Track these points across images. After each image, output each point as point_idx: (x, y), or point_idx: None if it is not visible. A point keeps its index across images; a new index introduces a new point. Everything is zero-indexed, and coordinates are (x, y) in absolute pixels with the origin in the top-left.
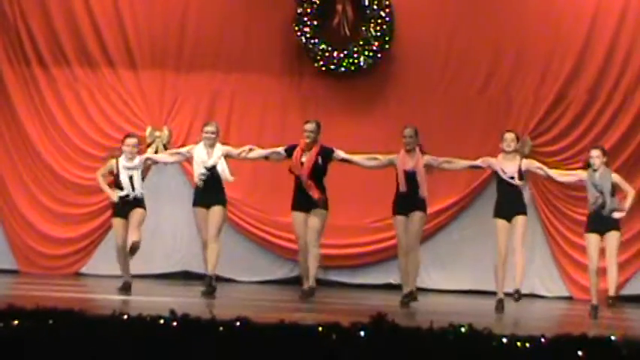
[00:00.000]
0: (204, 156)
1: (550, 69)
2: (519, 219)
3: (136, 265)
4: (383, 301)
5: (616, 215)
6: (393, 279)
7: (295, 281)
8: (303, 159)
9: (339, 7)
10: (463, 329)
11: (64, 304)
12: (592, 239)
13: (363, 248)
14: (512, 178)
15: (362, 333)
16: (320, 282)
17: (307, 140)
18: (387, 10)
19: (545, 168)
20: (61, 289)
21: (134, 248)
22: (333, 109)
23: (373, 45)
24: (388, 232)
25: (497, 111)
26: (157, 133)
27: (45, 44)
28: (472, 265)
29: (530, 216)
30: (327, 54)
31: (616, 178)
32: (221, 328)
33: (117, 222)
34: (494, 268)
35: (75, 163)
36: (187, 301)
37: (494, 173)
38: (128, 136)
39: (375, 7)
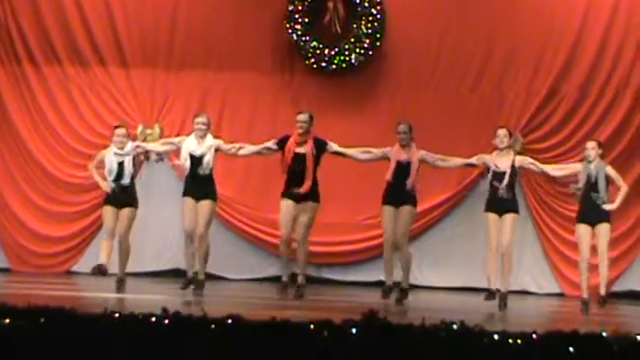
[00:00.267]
0: (194, 146)
1: (541, 65)
2: (509, 216)
3: (128, 263)
4: (375, 298)
5: (606, 207)
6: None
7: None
8: (297, 150)
9: (331, 5)
10: (455, 326)
11: (56, 303)
12: (582, 230)
13: (355, 246)
14: (503, 173)
15: (354, 330)
16: (312, 279)
17: (300, 131)
18: (379, 7)
19: (538, 164)
20: (52, 287)
21: (102, 271)
22: (325, 106)
23: (364, 42)
24: (380, 230)
25: (489, 108)
26: (149, 131)
27: (36, 42)
28: (464, 262)
29: (521, 213)
30: (318, 51)
31: (611, 171)
32: (213, 326)
33: (107, 209)
34: (486, 261)
35: (66, 162)
36: (179, 298)
37: (487, 170)
38: (117, 127)
39: (367, 4)
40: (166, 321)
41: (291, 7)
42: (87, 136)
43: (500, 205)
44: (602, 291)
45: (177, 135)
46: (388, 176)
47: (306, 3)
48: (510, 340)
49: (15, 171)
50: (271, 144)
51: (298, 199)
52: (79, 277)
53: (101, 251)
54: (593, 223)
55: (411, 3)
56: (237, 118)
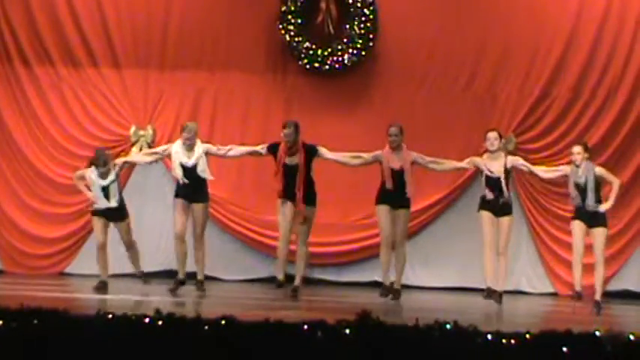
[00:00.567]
0: (185, 157)
1: (534, 66)
2: (505, 219)
3: (121, 265)
4: (368, 298)
5: (601, 208)
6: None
7: None
8: (288, 161)
9: (323, 5)
10: (448, 326)
11: (49, 304)
12: (577, 226)
13: (348, 246)
14: (499, 178)
15: (347, 330)
16: (305, 280)
17: (288, 144)
18: (371, 8)
19: (528, 165)
20: (45, 288)
21: (105, 288)
22: (317, 107)
23: (357, 43)
24: (374, 230)
25: (481, 108)
26: (141, 132)
27: (28, 43)
28: (458, 262)
29: (514, 213)
30: (311, 52)
31: (600, 171)
32: (206, 327)
33: (96, 220)
34: (484, 258)
35: (59, 163)
36: (172, 300)
37: (481, 172)
38: (99, 156)
39: (359, 5)
40: (160, 322)
41: (283, 8)
42: (79, 137)
43: (494, 204)
44: (598, 295)
45: (170, 137)
46: (387, 185)
47: (298, 3)
48: (504, 340)
49: (7, 172)
50: (261, 149)
51: (294, 199)
52: (73, 279)
53: (100, 268)
54: (588, 224)
55: (403, 4)
56: (229, 119)
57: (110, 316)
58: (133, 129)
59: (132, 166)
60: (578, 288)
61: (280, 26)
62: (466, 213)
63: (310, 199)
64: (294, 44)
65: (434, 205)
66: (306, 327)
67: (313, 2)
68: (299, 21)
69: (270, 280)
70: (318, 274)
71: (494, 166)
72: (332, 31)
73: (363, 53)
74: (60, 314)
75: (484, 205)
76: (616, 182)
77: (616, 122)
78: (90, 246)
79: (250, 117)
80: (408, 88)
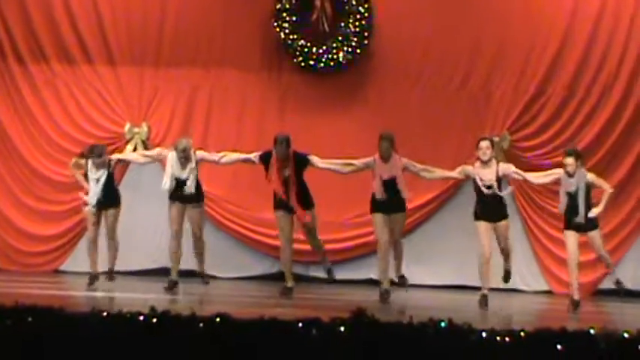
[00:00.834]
0: (179, 171)
1: (529, 64)
2: (502, 224)
3: (116, 262)
4: (363, 296)
5: (592, 214)
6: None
7: (275, 277)
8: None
9: (318, 3)
10: (443, 324)
11: (44, 302)
12: (571, 237)
13: (343, 244)
14: (490, 187)
15: (342, 328)
16: (300, 278)
17: (282, 162)
18: (366, 5)
19: (521, 172)
20: (40, 286)
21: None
22: (312, 105)
23: (352, 41)
24: (368, 228)
25: (476, 106)
26: (136, 130)
27: (22, 40)
28: (452, 259)
29: (509, 212)
30: (306, 50)
31: (592, 178)
32: (201, 325)
33: (89, 211)
34: (478, 267)
35: (54, 160)
36: (167, 297)
37: (473, 181)
38: (94, 148)
39: (354, 3)
40: (154, 320)
41: (278, 6)
42: (74, 135)
43: (490, 211)
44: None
45: (165, 135)
46: (378, 195)
47: (293, 1)
48: (498, 338)
49: (2, 169)
50: (253, 157)
51: (290, 208)
52: (67, 276)
53: (90, 262)
54: (581, 231)
55: (398, 2)
56: (224, 117)
57: (105, 313)
58: (127, 126)
59: (126, 163)
60: (576, 297)
61: (275, 24)
62: (460, 211)
63: (307, 203)
64: (289, 42)
65: (428, 203)
66: (300, 325)
67: (308, 0)
68: (294, 19)
69: (265, 278)
70: (313, 272)
71: (486, 174)
72: (327, 29)
73: (358, 51)
74: (55, 312)
75: (480, 215)
76: (608, 189)
77: (611, 120)
78: (85, 244)
79: (245, 115)
80: (402, 86)
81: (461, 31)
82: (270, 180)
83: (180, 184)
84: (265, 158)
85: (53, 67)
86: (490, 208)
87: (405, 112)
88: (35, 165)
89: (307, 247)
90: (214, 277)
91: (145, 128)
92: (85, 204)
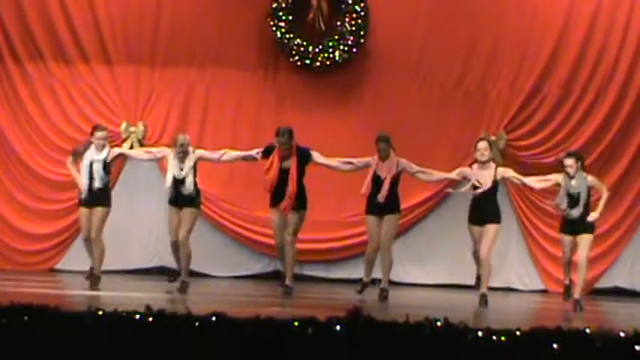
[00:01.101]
0: (177, 170)
1: (525, 63)
2: (491, 227)
3: (112, 261)
4: (359, 295)
5: (590, 218)
6: None
7: (271, 276)
8: (283, 165)
9: (314, 2)
10: (439, 323)
11: (40, 301)
12: (566, 241)
13: (339, 243)
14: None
15: (338, 327)
16: (296, 277)
17: (284, 153)
18: (362, 4)
19: (519, 177)
20: (36, 285)
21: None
22: (309, 103)
23: (348, 40)
24: (364, 227)
25: (472, 105)
26: (132, 129)
27: (19, 39)
28: (448, 259)
29: (505, 210)
30: (302, 49)
31: (592, 181)
32: (197, 324)
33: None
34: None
35: (50, 159)
36: (163, 296)
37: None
38: (97, 128)
39: (350, 1)
40: (150, 319)
41: (274, 5)
42: (71, 134)
43: (482, 215)
44: (577, 294)
45: (161, 133)
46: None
47: (289, 0)
48: (494, 337)
49: None
50: (255, 153)
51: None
52: (63, 275)
53: (89, 256)
54: (576, 233)
55: (394, 1)
56: (221, 116)
57: (101, 312)
58: (124, 125)
59: (124, 159)
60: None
61: (271, 23)
62: (457, 210)
63: (300, 202)
64: (285, 41)
65: (424, 202)
66: (296, 323)
67: None
68: (290, 18)
69: (261, 277)
70: (309, 271)
71: (484, 176)
72: (323, 27)
73: (354, 50)
74: (50, 311)
75: (473, 219)
76: (605, 194)
77: (607, 119)
78: (80, 243)
79: (242, 114)
80: (399, 84)
81: (457, 30)
82: (268, 170)
83: (178, 183)
84: (268, 152)
85: (49, 67)
86: (480, 210)
87: (401, 111)
88: (31, 163)
89: (303, 245)
90: (210, 276)
91: (141, 127)
92: (80, 202)
